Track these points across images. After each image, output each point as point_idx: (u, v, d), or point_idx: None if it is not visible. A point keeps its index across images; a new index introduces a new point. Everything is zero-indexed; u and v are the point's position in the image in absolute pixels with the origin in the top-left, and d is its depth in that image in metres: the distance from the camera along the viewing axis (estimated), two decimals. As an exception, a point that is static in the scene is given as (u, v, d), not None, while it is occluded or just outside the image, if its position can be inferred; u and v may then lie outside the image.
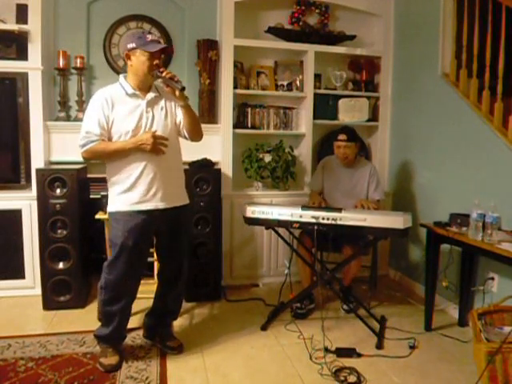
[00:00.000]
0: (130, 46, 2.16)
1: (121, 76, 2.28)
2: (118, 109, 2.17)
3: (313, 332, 2.64)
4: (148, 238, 2.32)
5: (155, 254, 2.68)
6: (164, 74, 2.15)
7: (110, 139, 2.19)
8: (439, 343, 2.62)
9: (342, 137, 3.06)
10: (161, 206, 2.24)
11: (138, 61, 2.16)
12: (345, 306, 3.02)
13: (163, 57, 2.39)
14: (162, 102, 2.27)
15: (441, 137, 3.19)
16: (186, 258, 2.47)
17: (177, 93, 2.16)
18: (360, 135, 3.25)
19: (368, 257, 3.29)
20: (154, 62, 2.16)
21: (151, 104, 2.24)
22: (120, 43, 3.37)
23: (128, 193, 2.20)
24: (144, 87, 2.23)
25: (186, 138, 2.37)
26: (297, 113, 3.79)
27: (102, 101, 2.16)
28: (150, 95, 2.24)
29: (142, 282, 3.01)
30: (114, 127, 2.17)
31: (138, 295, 2.84)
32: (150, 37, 2.18)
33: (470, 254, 2.75)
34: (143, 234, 2.23)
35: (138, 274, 2.32)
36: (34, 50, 3.05)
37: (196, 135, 2.38)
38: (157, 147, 2.16)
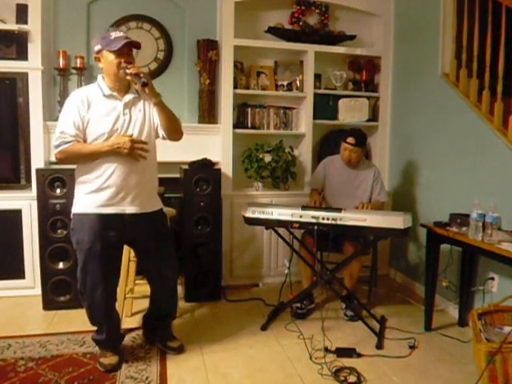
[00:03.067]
0: (97, 48, 2.12)
1: (99, 76, 2.21)
2: (94, 109, 2.11)
3: (313, 332, 2.64)
4: (118, 243, 2.22)
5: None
6: (130, 71, 2.07)
7: (84, 140, 2.12)
8: (439, 343, 2.62)
9: (350, 140, 3.03)
10: (129, 210, 2.16)
11: (107, 61, 2.11)
12: (348, 313, 2.91)
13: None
14: (141, 104, 2.21)
15: (441, 137, 3.19)
16: (174, 260, 2.38)
17: (146, 89, 2.10)
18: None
19: (368, 257, 3.29)
20: (122, 60, 2.08)
21: (129, 106, 2.18)
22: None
23: (95, 193, 2.12)
24: (121, 88, 2.17)
25: (164, 137, 2.27)
26: (297, 113, 3.79)
27: (78, 101, 2.11)
28: (128, 97, 2.18)
29: (141, 282, 3.05)
30: (89, 128, 2.11)
31: (138, 295, 2.87)
32: (113, 34, 2.10)
33: (470, 254, 2.75)
34: (111, 238, 2.14)
35: (112, 277, 2.25)
36: (34, 50, 3.05)
37: (173, 133, 2.27)
38: (134, 152, 2.10)
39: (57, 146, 2.09)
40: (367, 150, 3.97)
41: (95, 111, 2.12)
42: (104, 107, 2.14)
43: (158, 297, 2.43)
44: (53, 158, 3.21)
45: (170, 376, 2.20)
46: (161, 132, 2.26)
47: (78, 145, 2.09)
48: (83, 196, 2.16)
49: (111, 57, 2.08)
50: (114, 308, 2.32)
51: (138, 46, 2.16)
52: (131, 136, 2.12)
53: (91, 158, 2.11)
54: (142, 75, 2.07)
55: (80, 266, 2.18)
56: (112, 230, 2.14)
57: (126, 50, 2.11)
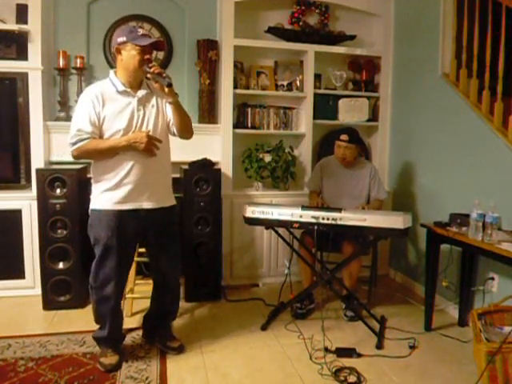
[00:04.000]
0: (121, 39, 2.12)
1: (111, 72, 2.23)
2: (108, 106, 2.13)
3: (313, 332, 2.64)
4: (134, 239, 2.27)
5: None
6: (152, 70, 2.11)
7: (100, 137, 2.14)
8: (439, 343, 2.62)
9: (343, 137, 3.05)
10: (146, 206, 2.21)
11: (129, 55, 2.12)
12: (348, 313, 2.90)
13: (157, 53, 2.34)
14: (154, 100, 2.24)
15: (441, 137, 3.19)
16: (178, 258, 2.43)
17: (165, 89, 2.12)
18: (360, 135, 3.26)
19: (368, 257, 3.29)
20: (145, 57, 2.11)
21: (142, 101, 2.20)
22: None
23: (113, 191, 2.16)
24: (135, 83, 2.19)
25: (174, 134, 2.33)
26: (297, 113, 3.79)
27: (93, 98, 2.12)
28: (141, 92, 2.20)
29: (141, 281, 3.06)
30: (105, 125, 2.13)
31: (138, 295, 2.87)
32: (141, 31, 2.14)
33: (470, 253, 2.75)
34: (128, 234, 2.19)
35: (124, 273, 2.30)
36: (34, 50, 3.05)
37: (186, 132, 2.33)
38: (150, 147, 2.13)
39: (73, 144, 2.12)
40: (366, 149, 3.98)
41: (110, 108, 2.13)
42: (118, 103, 2.15)
43: (161, 294, 2.45)
44: (53, 158, 3.25)
45: (170, 376, 2.20)
46: (172, 129, 2.30)
47: (94, 141, 2.12)
48: (100, 194, 2.19)
49: (135, 51, 2.10)
50: (120, 306, 2.34)
51: (163, 48, 2.26)
52: (148, 132, 2.15)
53: (108, 154, 2.14)
54: (164, 75, 2.11)
55: (96, 260, 2.21)
56: (128, 225, 2.18)
57: (150, 49, 2.14)
